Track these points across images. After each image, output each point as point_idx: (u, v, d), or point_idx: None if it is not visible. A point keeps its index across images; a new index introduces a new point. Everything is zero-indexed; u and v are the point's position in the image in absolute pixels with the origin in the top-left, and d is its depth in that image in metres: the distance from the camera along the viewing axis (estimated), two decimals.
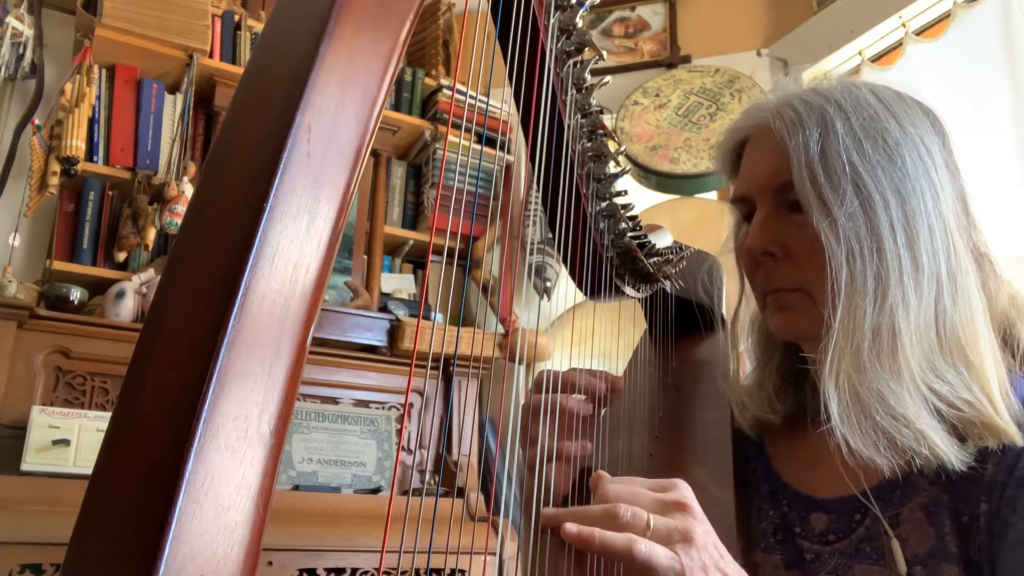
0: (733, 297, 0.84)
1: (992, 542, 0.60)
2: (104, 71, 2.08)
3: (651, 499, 0.53)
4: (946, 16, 2.19)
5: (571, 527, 0.50)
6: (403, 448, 2.00)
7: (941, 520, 0.63)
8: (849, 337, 0.62)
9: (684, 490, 0.54)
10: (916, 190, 0.64)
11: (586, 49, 0.61)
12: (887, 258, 0.62)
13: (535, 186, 0.66)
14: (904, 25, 2.28)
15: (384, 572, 0.54)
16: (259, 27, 2.28)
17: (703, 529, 0.51)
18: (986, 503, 0.61)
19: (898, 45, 2.30)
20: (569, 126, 0.63)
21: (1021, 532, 0.58)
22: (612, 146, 0.68)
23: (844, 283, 0.62)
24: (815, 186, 0.64)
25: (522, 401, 0.69)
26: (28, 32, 2.11)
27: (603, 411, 0.71)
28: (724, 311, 0.95)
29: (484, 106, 2.05)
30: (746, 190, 0.72)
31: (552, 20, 0.58)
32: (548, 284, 2.27)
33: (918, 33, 2.28)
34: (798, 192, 0.65)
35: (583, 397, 0.70)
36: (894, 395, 0.61)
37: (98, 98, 2.04)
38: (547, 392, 0.67)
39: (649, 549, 0.48)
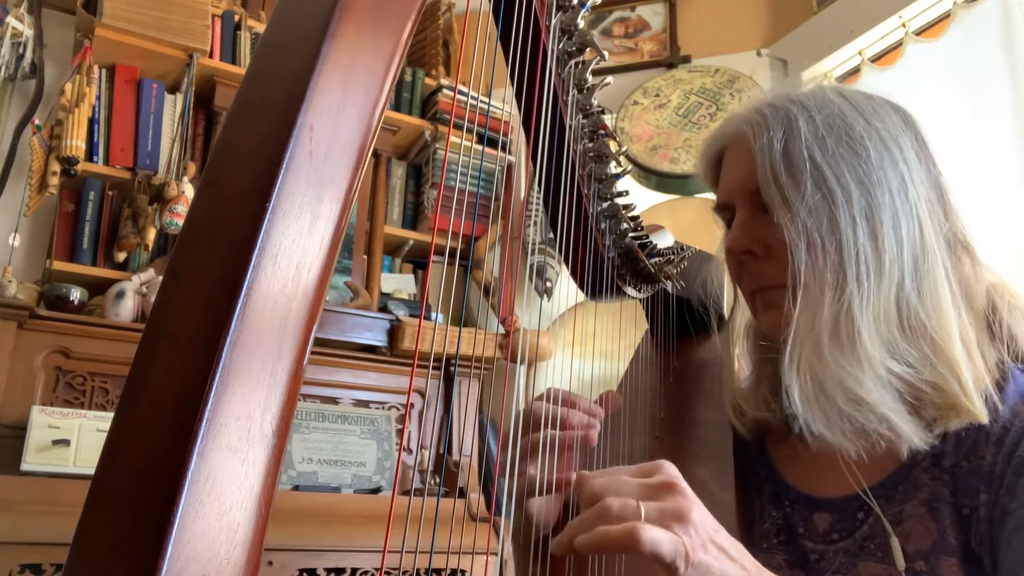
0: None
1: (992, 531, 0.61)
2: (104, 71, 2.08)
3: (636, 485, 0.52)
4: (946, 16, 2.19)
5: (580, 541, 0.49)
6: (403, 448, 2.00)
7: (942, 514, 0.63)
8: (809, 327, 0.64)
9: (669, 469, 0.53)
10: (881, 181, 0.65)
11: (587, 50, 0.61)
12: (846, 249, 0.64)
13: (536, 186, 0.66)
14: (904, 25, 2.28)
15: (385, 572, 0.54)
16: (259, 27, 2.28)
17: (695, 506, 0.51)
18: (985, 493, 0.62)
19: (898, 45, 2.30)
20: (571, 127, 0.63)
21: (1020, 519, 0.59)
22: (613, 147, 0.68)
23: (804, 275, 0.64)
24: (777, 184, 0.66)
25: (522, 402, 0.68)
26: (28, 32, 2.11)
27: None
28: (726, 311, 0.95)
29: (485, 106, 2.05)
30: (726, 197, 0.74)
31: (554, 21, 0.58)
32: (549, 284, 2.27)
33: (918, 33, 2.28)
34: (762, 192, 0.68)
35: (586, 417, 0.68)
36: (855, 380, 0.62)
37: (98, 98, 2.04)
38: (541, 425, 0.65)
39: (653, 534, 0.48)
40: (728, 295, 0.92)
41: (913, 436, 0.62)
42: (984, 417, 0.63)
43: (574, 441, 0.63)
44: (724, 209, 0.75)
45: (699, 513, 0.50)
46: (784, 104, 0.69)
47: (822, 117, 0.67)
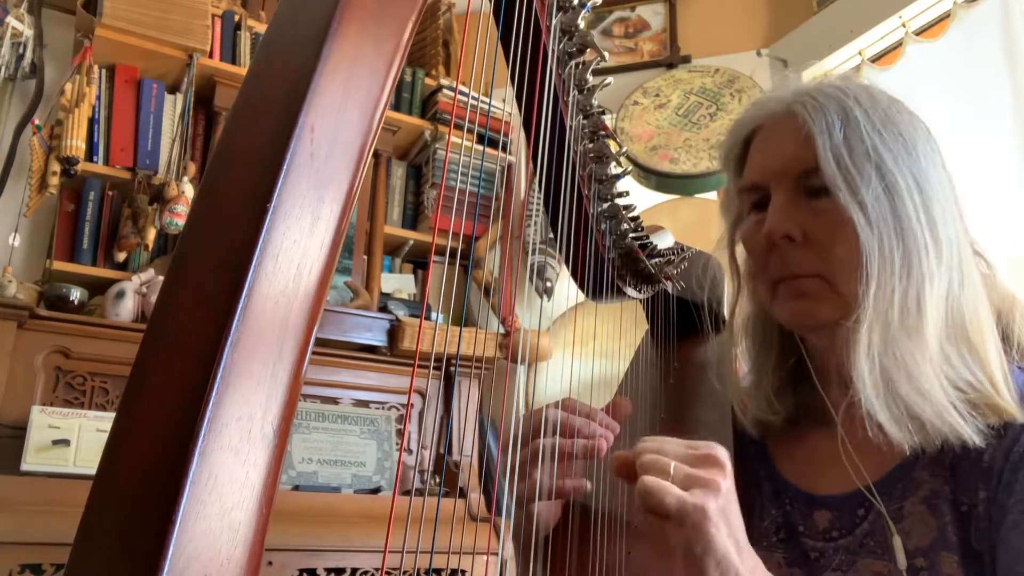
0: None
1: (991, 529, 0.61)
2: (104, 71, 2.08)
3: (680, 453, 0.53)
4: (946, 16, 2.19)
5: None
6: (403, 448, 2.00)
7: (942, 510, 0.64)
8: (880, 313, 0.63)
9: (719, 449, 0.54)
10: (930, 179, 0.66)
11: (588, 50, 0.61)
12: (911, 239, 0.64)
13: (536, 187, 0.66)
14: (904, 25, 2.28)
15: (385, 572, 0.54)
16: (259, 27, 2.28)
17: (727, 482, 0.52)
18: (984, 490, 0.62)
19: (898, 45, 2.30)
20: (571, 127, 0.63)
21: (1018, 516, 0.59)
22: (614, 147, 0.68)
23: (876, 262, 0.64)
24: (841, 168, 0.65)
25: (522, 402, 0.68)
26: (28, 32, 2.11)
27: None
28: (726, 312, 0.95)
29: (485, 106, 2.05)
30: (760, 177, 0.71)
31: (554, 21, 0.58)
32: (549, 284, 2.27)
33: (918, 33, 2.28)
34: (825, 174, 0.65)
35: (601, 430, 0.68)
36: (919, 369, 0.63)
37: (98, 98, 2.04)
38: (543, 433, 0.64)
39: (679, 499, 0.49)
40: (728, 295, 0.92)
41: (969, 430, 0.62)
42: (1021, 415, 0.63)
43: (585, 450, 0.62)
44: (753, 190, 0.72)
45: (728, 487, 0.51)
46: (835, 93, 0.68)
47: (875, 112, 0.67)
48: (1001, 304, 0.72)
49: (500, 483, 0.63)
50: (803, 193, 0.68)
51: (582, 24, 0.59)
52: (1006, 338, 0.70)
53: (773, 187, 0.70)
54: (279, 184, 0.31)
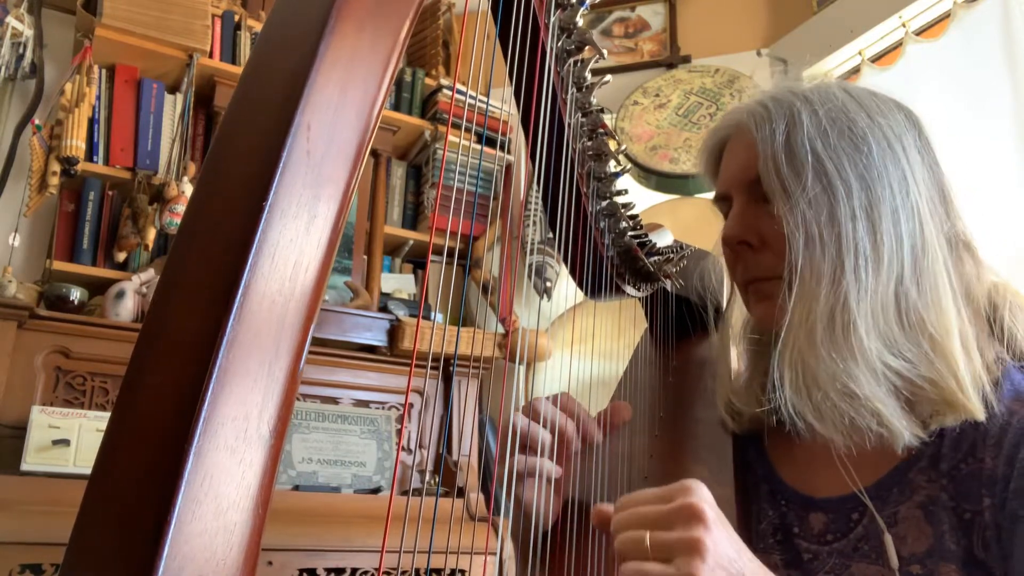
0: None
1: (1001, 537, 0.60)
2: (104, 71, 2.08)
3: (652, 515, 0.51)
4: (946, 16, 2.19)
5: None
6: (403, 448, 2.00)
7: (940, 518, 0.63)
8: (804, 319, 0.64)
9: (692, 493, 0.51)
10: (882, 176, 0.66)
11: (586, 48, 0.61)
12: (844, 242, 0.64)
13: (535, 185, 0.66)
14: (904, 25, 2.27)
15: (384, 572, 0.54)
16: (259, 27, 2.28)
17: (711, 534, 0.49)
18: (989, 497, 0.61)
19: (898, 45, 2.30)
20: (570, 125, 0.63)
21: None
22: (612, 145, 0.68)
23: (802, 267, 0.64)
24: (778, 175, 0.66)
25: (522, 402, 0.68)
26: (28, 32, 2.11)
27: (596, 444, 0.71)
28: (725, 310, 0.95)
29: (484, 106, 2.05)
30: (724, 187, 0.74)
31: (552, 19, 0.58)
32: (548, 284, 2.27)
33: (918, 33, 2.28)
34: (763, 181, 0.67)
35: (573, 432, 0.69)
36: (847, 373, 0.62)
37: (98, 98, 2.04)
38: (531, 425, 0.66)
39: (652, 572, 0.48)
40: (727, 293, 0.92)
41: (904, 431, 0.62)
42: (980, 414, 0.62)
43: (564, 448, 0.63)
44: (723, 200, 0.75)
45: (714, 540, 0.49)
46: (787, 97, 0.69)
47: (825, 111, 0.67)
48: (990, 296, 0.70)
49: (498, 476, 0.63)
50: (758, 199, 0.70)
51: (580, 22, 0.59)
52: (995, 330, 0.69)
53: (733, 195, 0.73)
54: (275, 182, 0.31)
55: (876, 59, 2.39)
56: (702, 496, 0.51)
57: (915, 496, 0.65)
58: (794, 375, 0.63)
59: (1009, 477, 0.60)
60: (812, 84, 0.72)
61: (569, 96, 0.62)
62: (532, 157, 0.60)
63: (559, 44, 0.59)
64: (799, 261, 0.64)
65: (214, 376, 0.29)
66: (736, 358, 0.81)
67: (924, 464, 0.65)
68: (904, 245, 0.65)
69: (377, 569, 1.67)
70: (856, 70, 2.39)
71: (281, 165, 0.31)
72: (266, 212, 0.31)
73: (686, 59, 2.75)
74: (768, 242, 0.69)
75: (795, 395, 0.63)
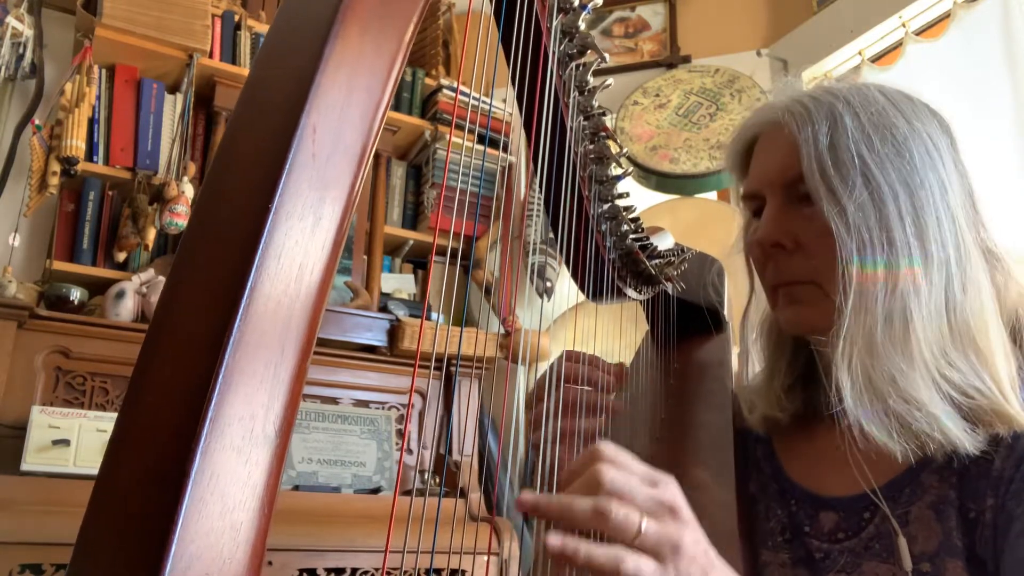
0: (735, 299, 0.84)
1: (997, 535, 0.60)
2: (104, 71, 2.08)
3: (647, 497, 0.49)
4: (946, 16, 2.19)
5: (553, 541, 0.46)
6: (403, 448, 2.00)
7: (948, 516, 0.63)
8: (861, 322, 0.63)
9: (675, 489, 0.51)
10: (924, 183, 0.65)
11: (588, 52, 0.61)
12: (897, 246, 0.63)
13: (537, 187, 0.66)
14: (904, 25, 2.28)
15: (385, 572, 0.54)
16: (259, 27, 2.28)
17: (692, 537, 0.49)
18: (992, 497, 0.62)
19: (898, 45, 2.30)
20: (571, 128, 0.63)
21: None
22: (614, 148, 0.68)
23: (855, 271, 0.63)
24: (824, 177, 0.65)
25: (522, 402, 0.69)
26: (28, 32, 2.11)
27: (611, 395, 0.72)
28: (726, 313, 0.95)
29: (485, 106, 2.05)
30: (756, 186, 0.73)
31: (555, 23, 0.58)
32: (549, 284, 2.27)
33: (918, 33, 2.28)
34: (808, 183, 0.66)
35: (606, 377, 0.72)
36: (906, 379, 0.62)
37: (98, 98, 2.04)
38: (556, 376, 0.69)
39: (636, 568, 0.46)
40: (731, 297, 0.92)
41: (963, 439, 0.61)
42: None
43: (595, 401, 0.65)
44: (752, 198, 0.74)
45: (695, 546, 0.49)
46: (827, 98, 0.68)
47: (867, 116, 0.67)
48: (1016, 307, 0.70)
49: (500, 482, 0.64)
50: (795, 201, 0.69)
51: (583, 26, 0.59)
52: (1016, 342, 0.69)
53: (767, 196, 0.71)
54: (281, 184, 0.31)
55: (876, 59, 2.39)
56: (680, 495, 0.51)
57: (926, 496, 0.65)
58: (854, 380, 0.62)
59: (1013, 479, 0.61)
60: (847, 85, 0.71)
61: (571, 100, 0.62)
62: (534, 161, 0.60)
63: (561, 48, 0.60)
64: (852, 264, 0.63)
65: (220, 376, 0.29)
66: (737, 357, 0.82)
67: (937, 465, 0.65)
68: (949, 251, 0.65)
69: (378, 569, 1.67)
70: (856, 70, 2.39)
71: (287, 167, 0.31)
72: (272, 214, 0.31)
73: (686, 59, 2.75)
74: (802, 245, 0.68)
75: (856, 401, 0.62)
